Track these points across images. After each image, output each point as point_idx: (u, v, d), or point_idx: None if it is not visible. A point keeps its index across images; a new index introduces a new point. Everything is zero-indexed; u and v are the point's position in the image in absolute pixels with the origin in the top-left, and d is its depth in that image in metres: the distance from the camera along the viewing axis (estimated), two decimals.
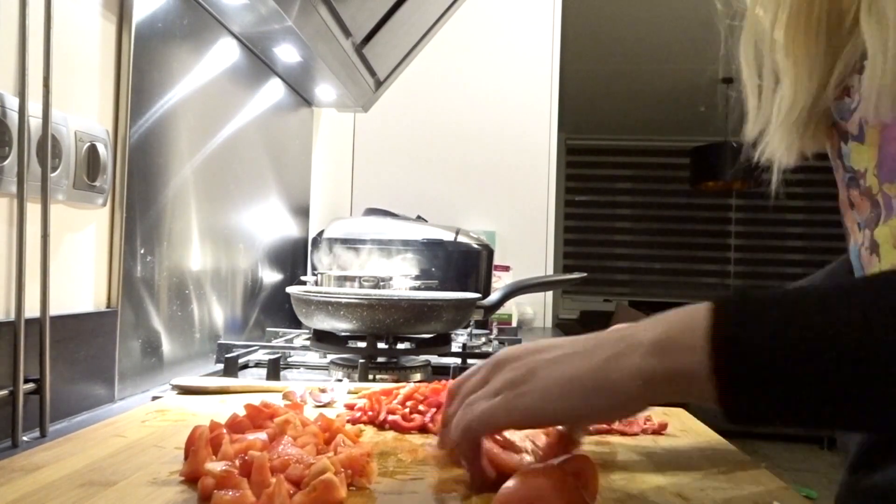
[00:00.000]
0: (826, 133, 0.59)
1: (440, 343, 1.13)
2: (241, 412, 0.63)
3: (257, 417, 0.62)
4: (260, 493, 0.46)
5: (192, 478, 0.51)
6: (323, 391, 0.81)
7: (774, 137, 0.60)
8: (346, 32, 1.26)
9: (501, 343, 1.40)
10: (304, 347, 1.13)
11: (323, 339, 1.08)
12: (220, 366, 1.00)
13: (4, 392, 0.64)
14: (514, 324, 1.96)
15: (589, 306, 5.84)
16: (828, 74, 0.55)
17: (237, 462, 0.50)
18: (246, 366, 1.07)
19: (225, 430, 0.57)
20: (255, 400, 0.67)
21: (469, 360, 1.13)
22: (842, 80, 0.55)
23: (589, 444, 0.67)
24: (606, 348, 0.46)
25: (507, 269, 2.10)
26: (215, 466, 0.49)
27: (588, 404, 0.45)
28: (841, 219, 0.61)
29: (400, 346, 1.10)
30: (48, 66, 0.68)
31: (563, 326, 4.53)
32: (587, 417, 0.48)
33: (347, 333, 1.07)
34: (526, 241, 2.39)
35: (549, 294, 2.46)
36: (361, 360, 0.98)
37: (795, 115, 0.57)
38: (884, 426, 0.40)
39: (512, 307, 1.96)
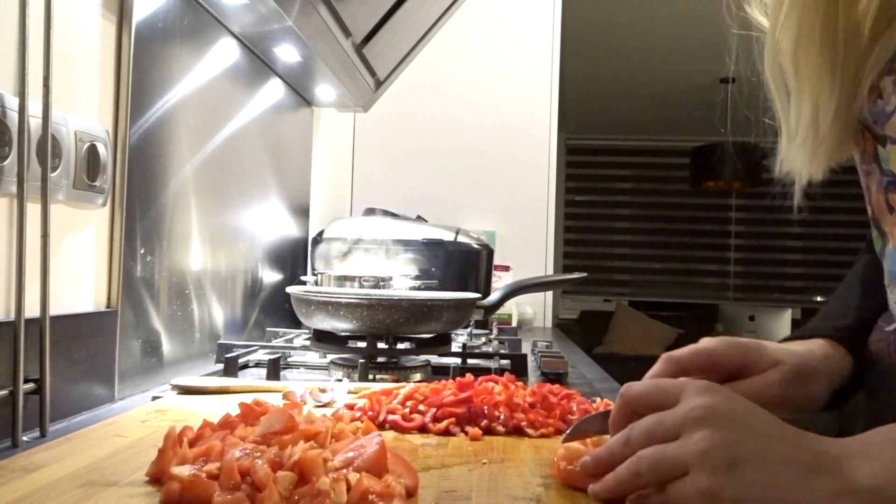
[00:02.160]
0: (854, 139, 0.60)
1: (440, 343, 1.13)
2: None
3: (250, 416, 0.62)
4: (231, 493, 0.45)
5: (156, 478, 0.51)
6: (323, 391, 0.81)
7: (798, 154, 0.61)
8: (346, 32, 1.26)
9: (501, 343, 1.40)
10: (304, 347, 1.13)
11: (323, 339, 1.08)
12: (220, 366, 1.00)
13: (4, 392, 0.64)
14: (514, 324, 1.96)
15: (589, 306, 5.84)
16: (850, 86, 0.56)
17: (199, 466, 0.49)
18: (246, 366, 1.07)
19: (185, 436, 0.55)
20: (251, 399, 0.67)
21: (469, 360, 1.13)
22: (872, 84, 0.55)
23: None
24: (822, 478, 0.41)
25: (507, 269, 2.10)
26: (182, 471, 0.47)
27: None
28: (873, 221, 0.62)
29: (400, 346, 1.10)
30: (48, 66, 0.68)
31: (563, 326, 4.54)
32: None
33: (347, 333, 1.07)
34: (526, 241, 2.39)
35: (549, 294, 2.46)
36: (361, 360, 0.98)
37: (823, 132, 0.58)
38: None
39: (512, 307, 1.96)
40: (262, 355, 1.10)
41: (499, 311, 1.25)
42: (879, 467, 0.41)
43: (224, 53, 1.17)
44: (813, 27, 0.57)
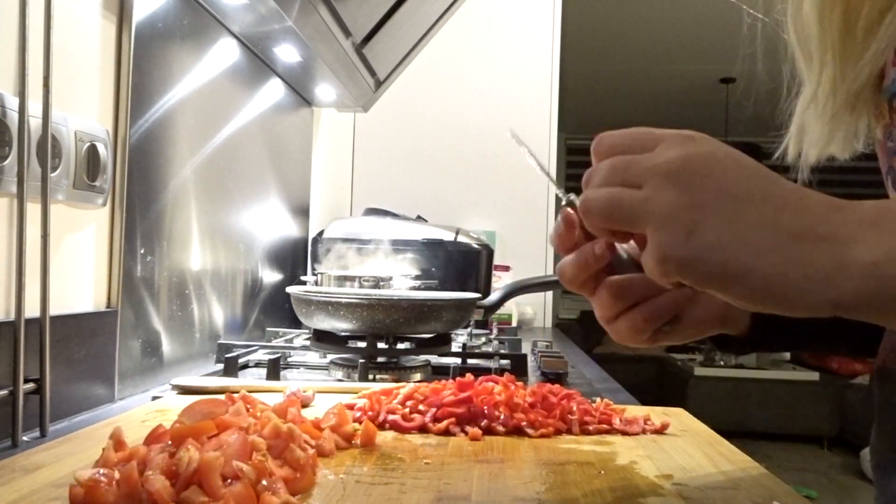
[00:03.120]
0: (876, 113, 0.53)
1: (440, 343, 1.13)
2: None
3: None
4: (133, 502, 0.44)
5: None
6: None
7: (816, 125, 0.54)
8: (346, 32, 1.26)
9: (501, 343, 1.40)
10: (304, 347, 1.13)
11: (323, 339, 1.08)
12: (220, 366, 1.00)
13: (4, 392, 0.64)
14: (514, 324, 1.96)
15: (589, 306, 5.80)
16: (873, 50, 0.49)
17: (116, 471, 0.46)
18: (246, 366, 1.07)
19: (111, 440, 0.52)
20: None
21: (469, 360, 1.13)
22: (884, 53, 0.49)
23: (589, 444, 0.67)
24: (804, 245, 0.35)
25: (507, 269, 2.10)
26: (83, 474, 0.45)
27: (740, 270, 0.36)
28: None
29: (400, 346, 1.10)
30: (48, 66, 0.68)
31: (563, 326, 4.53)
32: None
33: (347, 333, 1.07)
34: (526, 241, 2.38)
35: (549, 294, 2.46)
36: (361, 360, 0.98)
37: (823, 96, 0.52)
38: None
39: (512, 307, 1.96)
40: (262, 355, 1.10)
41: (499, 311, 1.25)
42: (887, 240, 0.34)
43: (224, 53, 1.17)
44: None
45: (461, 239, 1.64)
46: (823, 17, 0.52)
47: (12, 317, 0.66)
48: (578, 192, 0.44)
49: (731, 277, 0.36)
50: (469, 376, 0.80)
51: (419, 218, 1.86)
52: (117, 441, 0.51)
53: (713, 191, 0.37)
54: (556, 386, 0.81)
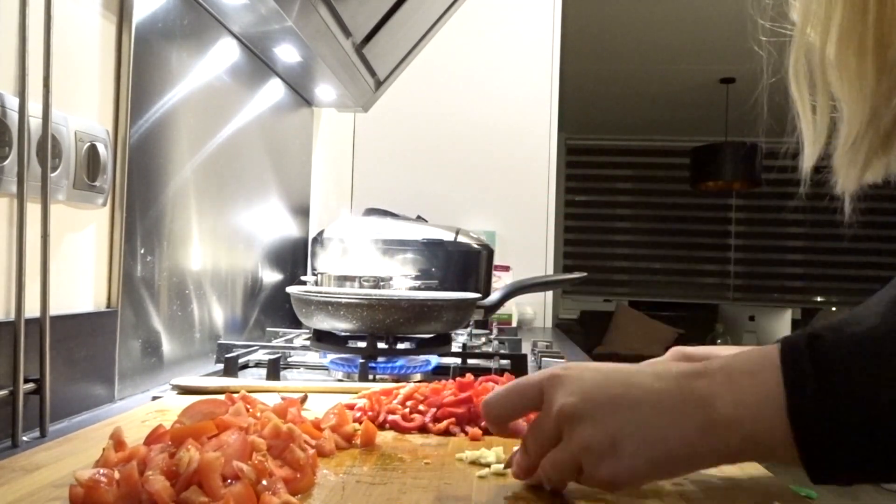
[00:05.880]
0: None
1: (440, 343, 1.13)
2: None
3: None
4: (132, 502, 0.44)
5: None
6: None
7: (838, 163, 0.54)
8: (346, 32, 1.26)
9: (501, 343, 1.40)
10: (304, 347, 1.12)
11: (323, 339, 1.08)
12: (220, 366, 1.00)
13: (4, 392, 0.64)
14: (514, 324, 1.96)
15: (589, 306, 5.85)
16: (886, 91, 0.50)
17: (116, 471, 0.46)
18: (246, 366, 1.07)
19: (111, 440, 0.52)
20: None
21: (469, 360, 1.13)
22: None
23: None
24: (689, 415, 0.44)
25: (507, 269, 2.10)
26: (83, 474, 0.45)
27: (671, 476, 0.48)
28: None
29: (400, 346, 1.10)
30: (48, 66, 0.68)
31: (563, 326, 4.54)
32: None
33: (347, 333, 1.06)
34: (526, 241, 2.39)
35: (549, 294, 2.46)
36: (361, 360, 0.98)
37: (853, 139, 0.52)
38: None
39: (512, 307, 1.96)
40: (262, 355, 1.10)
41: (499, 311, 1.25)
42: (730, 395, 0.42)
43: (224, 53, 1.17)
44: (851, 22, 0.50)
45: (461, 239, 1.64)
46: (846, 62, 0.51)
47: (12, 317, 0.66)
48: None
49: (655, 473, 0.47)
50: (469, 376, 0.80)
51: (419, 218, 1.86)
52: (117, 441, 0.51)
53: (607, 408, 0.46)
54: None
